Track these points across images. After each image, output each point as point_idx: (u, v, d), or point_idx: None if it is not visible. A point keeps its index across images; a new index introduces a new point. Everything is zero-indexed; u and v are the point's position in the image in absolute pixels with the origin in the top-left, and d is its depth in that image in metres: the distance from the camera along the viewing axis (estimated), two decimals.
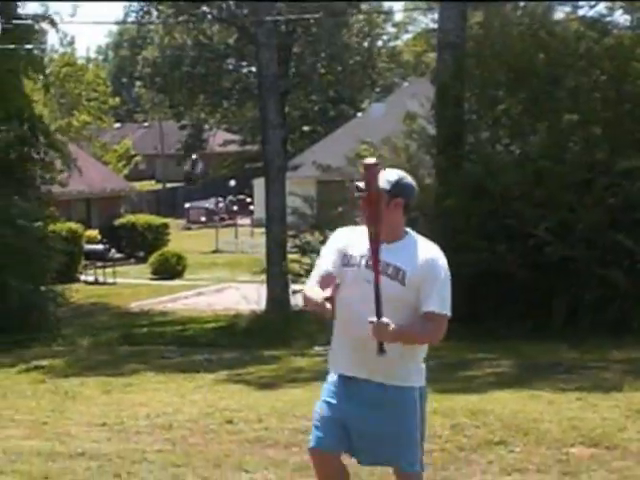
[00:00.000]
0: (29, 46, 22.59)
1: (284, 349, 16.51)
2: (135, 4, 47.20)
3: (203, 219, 48.83)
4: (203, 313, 23.47)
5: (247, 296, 21.61)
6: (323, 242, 17.86)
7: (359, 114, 48.64)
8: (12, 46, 20.57)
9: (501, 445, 7.48)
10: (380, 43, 54.66)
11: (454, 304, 4.65)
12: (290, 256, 20.85)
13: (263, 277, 21.28)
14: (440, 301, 4.64)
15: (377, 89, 53.37)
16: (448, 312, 4.64)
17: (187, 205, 51.02)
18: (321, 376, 13.50)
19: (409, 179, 4.84)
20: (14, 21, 21.76)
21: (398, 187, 4.73)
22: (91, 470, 6.97)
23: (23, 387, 12.04)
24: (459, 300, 5.16)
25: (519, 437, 7.70)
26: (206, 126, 56.27)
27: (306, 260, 20.79)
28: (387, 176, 4.70)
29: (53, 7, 73.39)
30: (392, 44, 56.24)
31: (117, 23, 67.33)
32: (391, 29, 56.08)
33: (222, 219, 47.16)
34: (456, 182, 16.86)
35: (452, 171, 17.07)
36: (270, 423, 8.72)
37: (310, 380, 13.04)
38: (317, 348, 17.01)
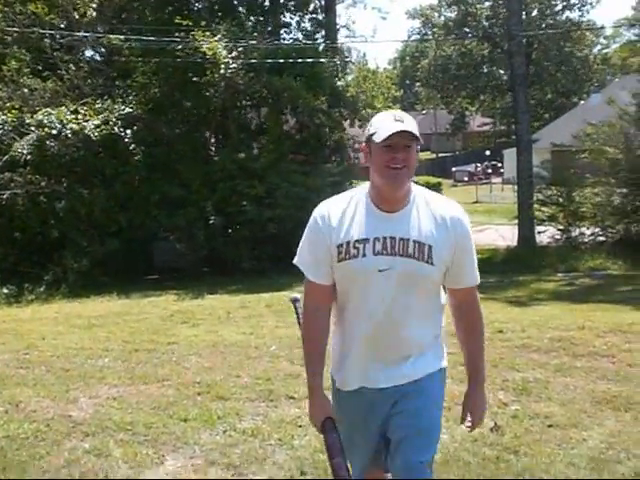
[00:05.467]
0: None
1: (533, 275, 15.70)
2: (417, 28, 48.11)
3: (466, 179, 48.28)
4: None
5: (503, 235, 20.95)
6: (560, 196, 17.00)
7: (581, 102, 45.72)
8: (332, 60, 20.75)
9: None
10: (595, 51, 51.89)
11: None
12: (535, 206, 20.06)
13: (515, 221, 20.50)
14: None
15: (595, 84, 50.17)
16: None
17: (454, 169, 50.64)
18: (562, 296, 12.69)
19: None
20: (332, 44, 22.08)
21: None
22: None
23: None
24: None
25: None
26: (467, 112, 55.47)
27: (545, 209, 19.95)
28: (409, 118, 2.66)
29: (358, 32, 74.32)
30: (604, 51, 53.45)
31: (403, 41, 66.86)
32: (603, 40, 53.67)
33: (480, 179, 46.62)
34: None
35: None
36: (531, 332, 8.10)
37: (554, 299, 12.29)
38: (560, 275, 16.19)
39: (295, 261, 2.81)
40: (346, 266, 2.66)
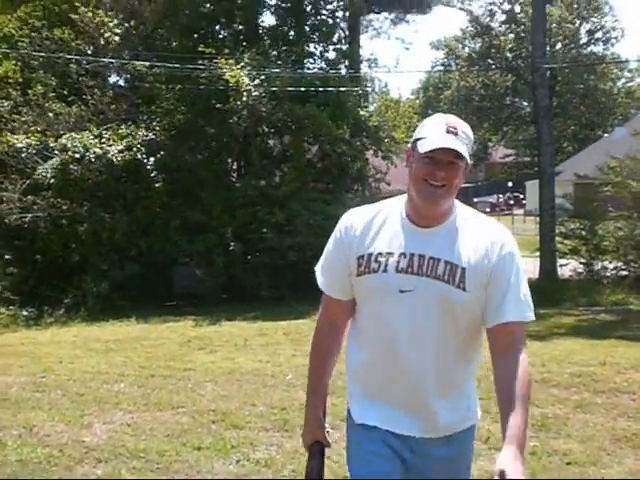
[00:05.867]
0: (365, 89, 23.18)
1: (553, 309, 15.53)
2: (440, 59, 48.56)
3: (487, 210, 47.98)
4: None
5: (524, 267, 20.81)
6: (583, 229, 16.82)
7: (605, 135, 45.59)
8: (354, 89, 20.78)
9: None
10: (619, 84, 51.51)
11: None
12: (557, 238, 19.90)
13: (537, 253, 20.34)
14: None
15: (619, 117, 50.01)
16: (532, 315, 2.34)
17: (476, 199, 50.48)
18: (583, 331, 12.54)
19: None
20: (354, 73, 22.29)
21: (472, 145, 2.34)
22: None
23: None
24: None
25: None
26: (490, 143, 55.48)
27: (567, 242, 19.79)
28: (465, 129, 2.32)
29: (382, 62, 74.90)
30: (628, 84, 52.80)
31: (426, 72, 67.29)
32: (627, 73, 53.06)
33: (502, 210, 46.55)
34: None
35: None
36: (551, 367, 8.01)
37: (574, 334, 12.14)
38: (581, 309, 16.02)
39: (315, 267, 2.53)
40: (365, 281, 2.33)
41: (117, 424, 5.88)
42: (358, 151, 20.16)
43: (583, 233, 19.43)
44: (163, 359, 9.10)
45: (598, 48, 44.98)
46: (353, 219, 2.42)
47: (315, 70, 21.80)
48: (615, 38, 44.26)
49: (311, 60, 22.59)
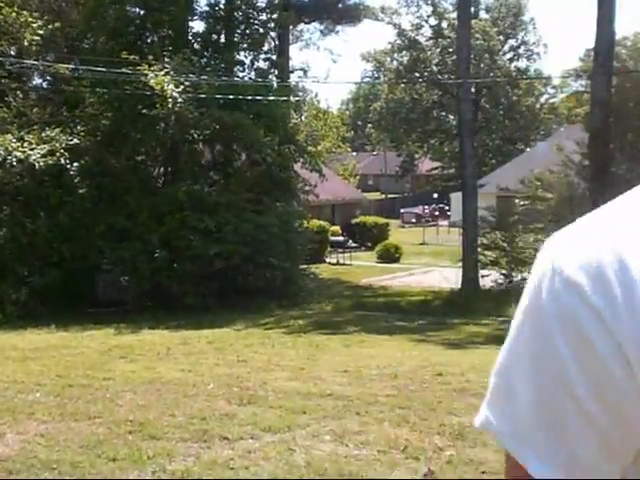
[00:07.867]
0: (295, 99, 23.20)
1: (473, 318, 15.83)
2: (369, 71, 49.14)
3: (413, 220, 48.59)
4: (414, 289, 22.95)
5: (447, 277, 21.11)
6: (504, 240, 17.18)
7: (527, 149, 46.75)
8: (283, 98, 20.76)
9: None
10: (542, 100, 52.85)
11: None
12: (479, 249, 20.36)
13: (460, 263, 20.71)
14: None
15: (541, 132, 51.36)
16: None
17: (402, 210, 51.01)
18: (501, 340, 12.91)
19: None
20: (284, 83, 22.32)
21: None
22: (338, 408, 6.59)
23: (285, 339, 11.90)
24: None
25: None
26: (416, 155, 56.22)
27: (488, 253, 20.22)
28: None
29: (313, 72, 74.78)
30: (551, 100, 54.34)
31: (356, 83, 68.05)
32: (550, 90, 54.52)
33: (427, 221, 46.97)
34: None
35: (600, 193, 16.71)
36: (470, 376, 8.12)
37: (494, 342, 12.37)
38: (500, 319, 16.32)
39: (481, 421, 0.80)
40: None
41: (30, 434, 5.69)
42: (286, 159, 20.16)
43: (504, 245, 19.89)
44: (82, 368, 8.87)
45: (522, 64, 46.25)
46: (617, 255, 0.75)
47: (244, 78, 21.73)
48: (537, 54, 45.59)
49: (241, 69, 22.51)
